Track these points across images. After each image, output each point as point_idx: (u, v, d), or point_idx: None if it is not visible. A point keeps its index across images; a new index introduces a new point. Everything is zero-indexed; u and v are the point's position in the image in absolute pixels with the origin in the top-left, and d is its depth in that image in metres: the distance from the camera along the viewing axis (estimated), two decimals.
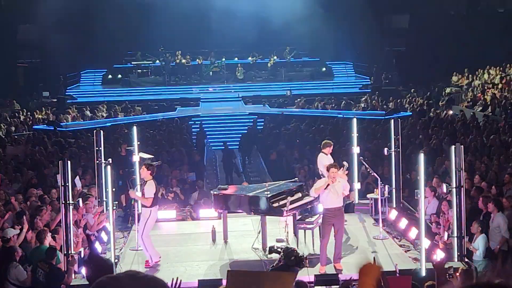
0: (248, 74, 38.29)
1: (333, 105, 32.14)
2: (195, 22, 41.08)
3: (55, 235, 12.46)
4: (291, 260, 10.11)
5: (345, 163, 13.51)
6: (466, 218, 12.55)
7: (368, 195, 15.63)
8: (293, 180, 14.64)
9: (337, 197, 12.14)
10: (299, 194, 13.95)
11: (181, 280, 4.04)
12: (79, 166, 19.24)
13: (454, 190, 11.97)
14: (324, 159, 14.49)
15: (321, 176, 14.29)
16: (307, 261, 11.73)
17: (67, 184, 11.70)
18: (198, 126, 29.10)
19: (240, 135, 26.95)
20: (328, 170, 12.19)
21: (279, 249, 12.52)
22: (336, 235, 12.23)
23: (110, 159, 14.19)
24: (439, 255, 12.12)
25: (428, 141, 21.82)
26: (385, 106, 30.99)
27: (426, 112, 28.54)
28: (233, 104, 34.37)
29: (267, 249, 13.04)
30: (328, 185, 11.88)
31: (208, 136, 28.28)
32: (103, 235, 14.33)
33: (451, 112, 27.14)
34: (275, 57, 38.55)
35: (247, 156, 25.54)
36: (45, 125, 28.44)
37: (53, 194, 15.72)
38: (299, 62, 39.89)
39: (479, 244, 12.00)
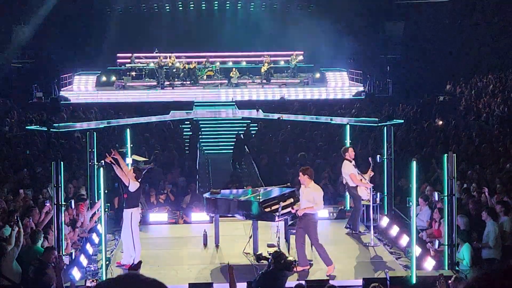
0: (242, 78, 38.31)
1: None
2: (190, 24, 41.21)
3: (47, 236, 12.44)
4: (281, 264, 10.11)
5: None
6: (471, 226, 12.70)
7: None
8: (285, 185, 14.66)
9: (305, 203, 12.41)
10: (291, 200, 13.98)
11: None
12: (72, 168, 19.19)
13: (446, 198, 12.00)
14: (348, 167, 14.58)
15: (345, 185, 14.69)
16: (296, 265, 11.74)
17: (59, 185, 11.66)
18: (191, 129, 29.09)
19: (234, 140, 26.94)
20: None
21: (268, 254, 12.52)
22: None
23: (102, 161, 14.17)
24: (429, 263, 12.16)
25: (420, 149, 21.85)
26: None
27: (419, 120, 28.57)
28: (227, 108, 34.40)
29: (256, 256, 13.06)
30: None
31: (201, 140, 28.26)
32: (94, 237, 14.33)
33: (441, 122, 27.17)
34: (269, 62, 38.54)
35: (238, 161, 25.52)
36: (38, 126, 28.34)
37: (44, 194, 15.72)
38: (294, 67, 39.83)
39: (463, 254, 12.05)
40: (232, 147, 26.34)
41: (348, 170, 14.63)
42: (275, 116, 29.86)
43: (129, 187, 12.67)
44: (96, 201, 15.03)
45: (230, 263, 9.74)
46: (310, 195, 12.48)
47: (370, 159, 15.12)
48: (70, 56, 37.69)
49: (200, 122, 30.46)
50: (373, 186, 14.78)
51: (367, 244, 14.13)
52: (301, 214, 12.48)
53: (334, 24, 38.98)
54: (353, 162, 14.72)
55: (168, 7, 42.86)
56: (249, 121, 30.03)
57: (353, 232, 14.95)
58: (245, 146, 26.38)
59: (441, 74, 36.32)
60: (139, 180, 12.90)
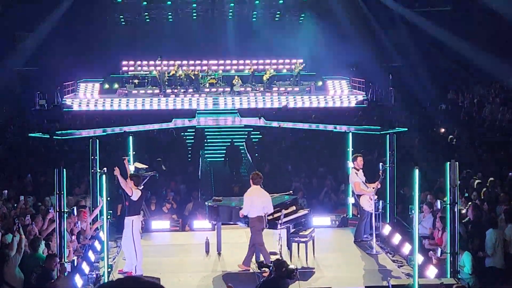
0: (244, 86, 38.32)
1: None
2: (193, 33, 41.25)
3: (49, 243, 12.45)
4: (282, 272, 10.09)
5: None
6: (472, 233, 12.69)
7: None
8: (287, 193, 14.65)
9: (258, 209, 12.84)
10: (293, 207, 13.98)
11: None
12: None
13: (448, 206, 11.99)
14: (353, 175, 14.61)
15: (353, 192, 14.85)
16: (297, 273, 11.71)
17: (62, 192, 11.67)
18: (194, 137, 29.09)
19: (226, 148, 26.90)
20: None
21: (269, 262, 12.51)
22: None
23: (105, 168, 14.17)
24: (432, 271, 12.15)
25: (423, 157, 21.84)
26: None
27: (421, 129, 28.56)
28: (229, 116, 34.40)
29: (258, 264, 13.04)
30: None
31: (205, 148, 28.30)
32: (97, 244, 14.33)
33: (443, 129, 27.17)
34: (271, 70, 38.59)
35: (236, 168, 25.54)
36: (40, 133, 28.37)
37: (46, 202, 15.73)
38: (297, 75, 39.83)
39: (464, 261, 12.06)
40: (226, 155, 26.36)
41: (354, 178, 14.70)
42: (275, 124, 29.88)
43: (132, 196, 12.65)
44: (98, 205, 15.01)
45: (230, 285, 9.89)
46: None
47: (380, 172, 14.92)
48: (73, 64, 37.70)
49: (202, 129, 30.48)
50: (376, 194, 14.74)
51: (370, 252, 14.12)
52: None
53: (336, 33, 39.01)
54: (361, 171, 14.74)
55: (171, 16, 42.92)
56: (251, 129, 30.05)
57: (357, 240, 14.94)
58: (247, 153, 26.39)
59: (443, 82, 36.28)
60: (139, 188, 12.89)
